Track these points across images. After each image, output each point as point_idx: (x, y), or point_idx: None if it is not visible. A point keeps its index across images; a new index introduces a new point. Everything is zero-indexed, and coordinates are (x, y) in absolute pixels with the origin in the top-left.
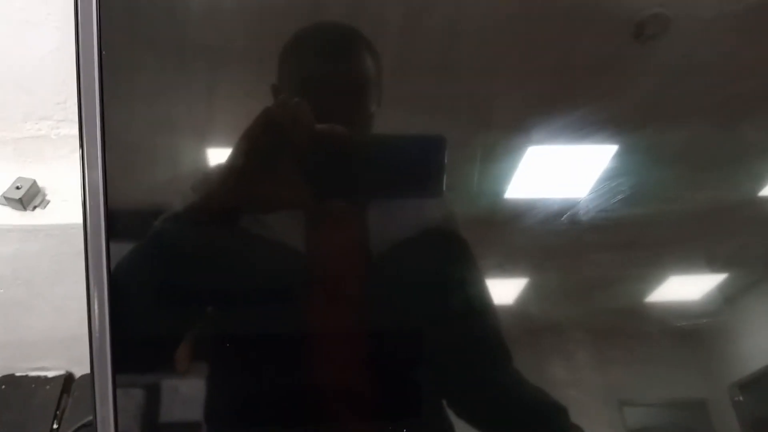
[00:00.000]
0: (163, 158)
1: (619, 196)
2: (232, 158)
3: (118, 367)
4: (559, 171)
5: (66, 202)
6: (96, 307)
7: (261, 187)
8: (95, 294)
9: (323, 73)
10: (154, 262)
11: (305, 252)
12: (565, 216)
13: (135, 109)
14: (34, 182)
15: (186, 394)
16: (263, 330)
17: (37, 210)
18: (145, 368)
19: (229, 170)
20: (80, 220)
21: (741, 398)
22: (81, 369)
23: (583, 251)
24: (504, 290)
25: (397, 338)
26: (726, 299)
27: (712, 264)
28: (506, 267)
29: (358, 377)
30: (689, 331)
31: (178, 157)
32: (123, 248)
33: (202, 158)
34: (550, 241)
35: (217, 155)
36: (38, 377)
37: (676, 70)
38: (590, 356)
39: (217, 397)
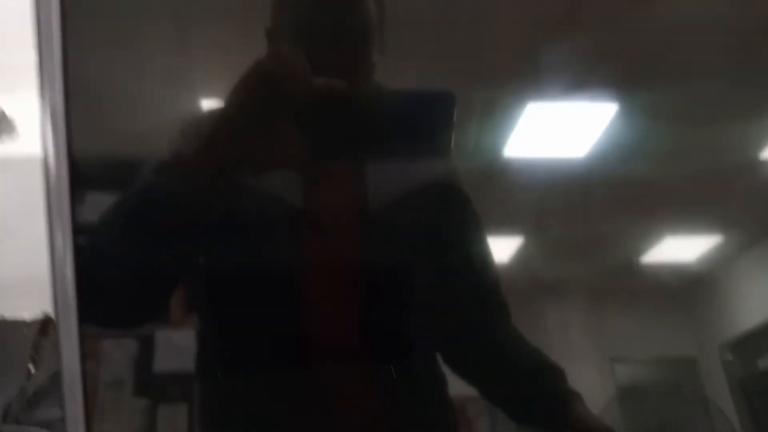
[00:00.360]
0: (137, 105)
1: (622, 155)
2: (223, 113)
3: (84, 317)
4: (563, 128)
5: (37, 133)
6: (64, 254)
7: (255, 145)
8: (60, 240)
9: (321, 17)
10: (145, 213)
11: (302, 209)
12: (566, 174)
13: (103, 51)
14: (3, 112)
15: (175, 343)
16: (256, 282)
17: (6, 141)
18: (122, 319)
19: (219, 126)
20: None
21: (730, 358)
22: None
23: (583, 210)
24: (504, 247)
25: (395, 291)
26: (721, 260)
27: (709, 225)
28: (507, 223)
29: (354, 326)
30: (683, 290)
31: (155, 106)
32: (90, 195)
33: (189, 109)
34: (550, 198)
35: (205, 106)
36: (15, 320)
37: (682, 26)
38: (584, 313)
39: (204, 342)
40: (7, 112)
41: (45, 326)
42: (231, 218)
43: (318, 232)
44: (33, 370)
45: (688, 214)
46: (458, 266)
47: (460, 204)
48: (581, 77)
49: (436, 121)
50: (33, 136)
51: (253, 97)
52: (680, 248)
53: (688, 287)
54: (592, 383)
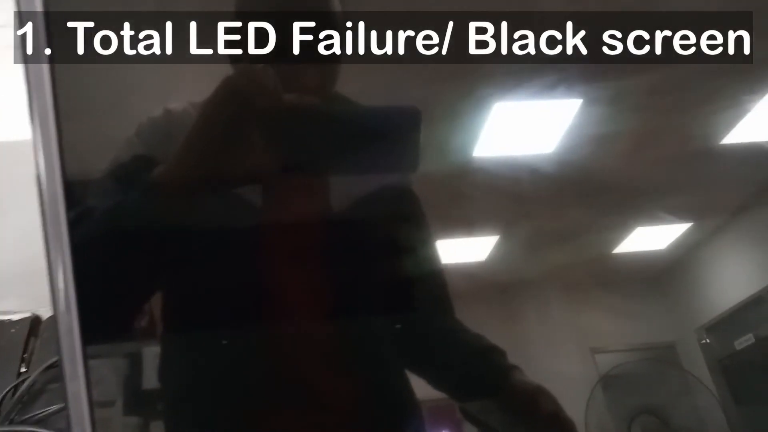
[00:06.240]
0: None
1: (585, 149)
2: (195, 131)
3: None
4: (525, 126)
5: (13, 117)
6: (60, 277)
7: (226, 158)
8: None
9: None
10: (119, 229)
11: (268, 215)
12: (531, 170)
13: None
14: None
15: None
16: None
17: None
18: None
19: (191, 142)
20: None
21: (707, 340)
22: (48, 310)
23: (552, 204)
24: (481, 245)
25: (349, 291)
26: (691, 246)
27: (677, 212)
28: (482, 222)
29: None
30: (656, 278)
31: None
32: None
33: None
34: (523, 195)
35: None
36: (3, 321)
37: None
38: (561, 307)
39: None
40: None
41: (34, 326)
42: (199, 224)
43: (282, 237)
44: (24, 369)
45: (657, 202)
46: (408, 267)
47: (410, 206)
48: (546, 76)
49: (403, 137)
50: (7, 120)
51: (223, 113)
52: (651, 237)
53: (662, 274)
54: (575, 374)
